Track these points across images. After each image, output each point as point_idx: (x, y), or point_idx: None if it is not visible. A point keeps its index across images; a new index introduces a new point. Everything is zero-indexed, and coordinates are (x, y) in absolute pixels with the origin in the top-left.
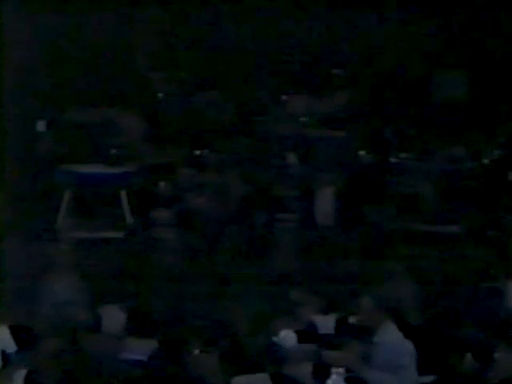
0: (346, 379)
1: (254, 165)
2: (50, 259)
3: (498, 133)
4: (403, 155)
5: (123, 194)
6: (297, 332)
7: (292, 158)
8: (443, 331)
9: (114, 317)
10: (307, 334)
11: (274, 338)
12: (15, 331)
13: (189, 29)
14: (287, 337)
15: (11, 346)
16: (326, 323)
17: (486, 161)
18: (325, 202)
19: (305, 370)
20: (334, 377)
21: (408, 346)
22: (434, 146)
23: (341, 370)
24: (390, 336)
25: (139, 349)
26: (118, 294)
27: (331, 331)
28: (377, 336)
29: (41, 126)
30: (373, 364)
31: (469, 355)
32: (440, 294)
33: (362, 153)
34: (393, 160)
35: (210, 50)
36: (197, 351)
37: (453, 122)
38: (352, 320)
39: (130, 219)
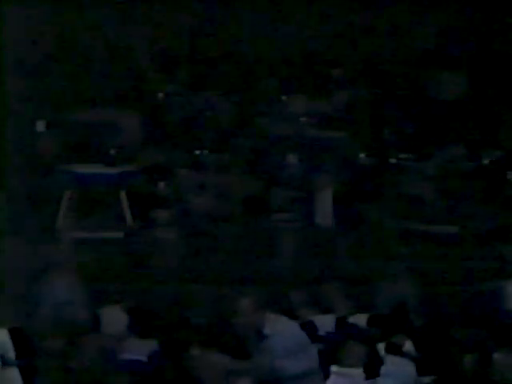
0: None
1: (254, 165)
2: (50, 259)
3: (498, 133)
4: (403, 155)
5: (123, 194)
6: None
7: (292, 158)
8: (443, 331)
9: (114, 317)
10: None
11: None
12: (14, 334)
13: (189, 29)
14: None
15: (9, 349)
16: (326, 323)
17: (485, 161)
18: (325, 203)
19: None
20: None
21: (299, 331)
22: (433, 145)
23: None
24: (280, 326)
25: (139, 349)
26: (118, 294)
27: (331, 331)
28: (267, 329)
29: (41, 125)
30: (272, 354)
31: (469, 355)
32: (440, 294)
33: (361, 153)
34: (392, 160)
35: (210, 50)
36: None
37: (453, 122)
38: (353, 320)
39: (129, 219)
